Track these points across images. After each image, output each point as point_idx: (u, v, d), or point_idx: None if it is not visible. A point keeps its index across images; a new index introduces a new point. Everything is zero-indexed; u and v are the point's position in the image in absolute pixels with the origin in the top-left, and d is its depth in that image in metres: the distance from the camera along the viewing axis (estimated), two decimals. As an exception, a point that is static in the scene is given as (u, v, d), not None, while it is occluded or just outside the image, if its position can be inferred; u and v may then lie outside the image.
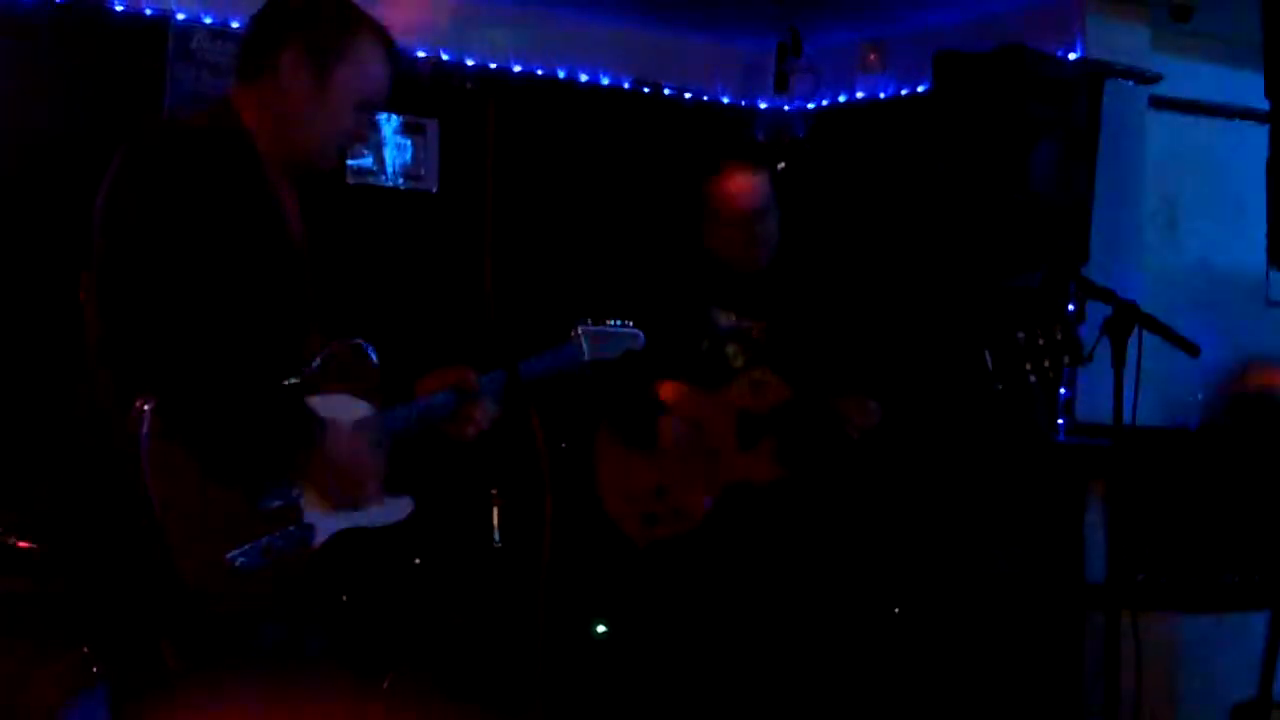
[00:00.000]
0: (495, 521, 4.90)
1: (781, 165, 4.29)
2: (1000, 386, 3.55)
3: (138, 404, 2.57)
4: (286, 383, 2.76)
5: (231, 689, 2.66)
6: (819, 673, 3.82)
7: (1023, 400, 5.17)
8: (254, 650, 2.72)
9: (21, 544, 4.04)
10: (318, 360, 2.84)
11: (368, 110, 2.88)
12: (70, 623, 3.93)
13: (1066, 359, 3.53)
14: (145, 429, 2.57)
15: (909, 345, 3.81)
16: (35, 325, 4.65)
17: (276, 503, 2.71)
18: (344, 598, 4.62)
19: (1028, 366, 3.51)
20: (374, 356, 2.96)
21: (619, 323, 3.40)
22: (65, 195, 4.70)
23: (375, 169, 5.56)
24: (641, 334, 3.44)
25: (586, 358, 3.32)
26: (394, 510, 2.94)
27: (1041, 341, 3.51)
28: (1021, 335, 3.51)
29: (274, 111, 2.81)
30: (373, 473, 2.81)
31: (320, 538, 2.78)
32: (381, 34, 2.87)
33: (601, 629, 4.97)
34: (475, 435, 3.01)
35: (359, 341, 2.95)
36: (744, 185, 3.83)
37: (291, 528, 2.73)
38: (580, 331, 3.31)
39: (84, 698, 3.78)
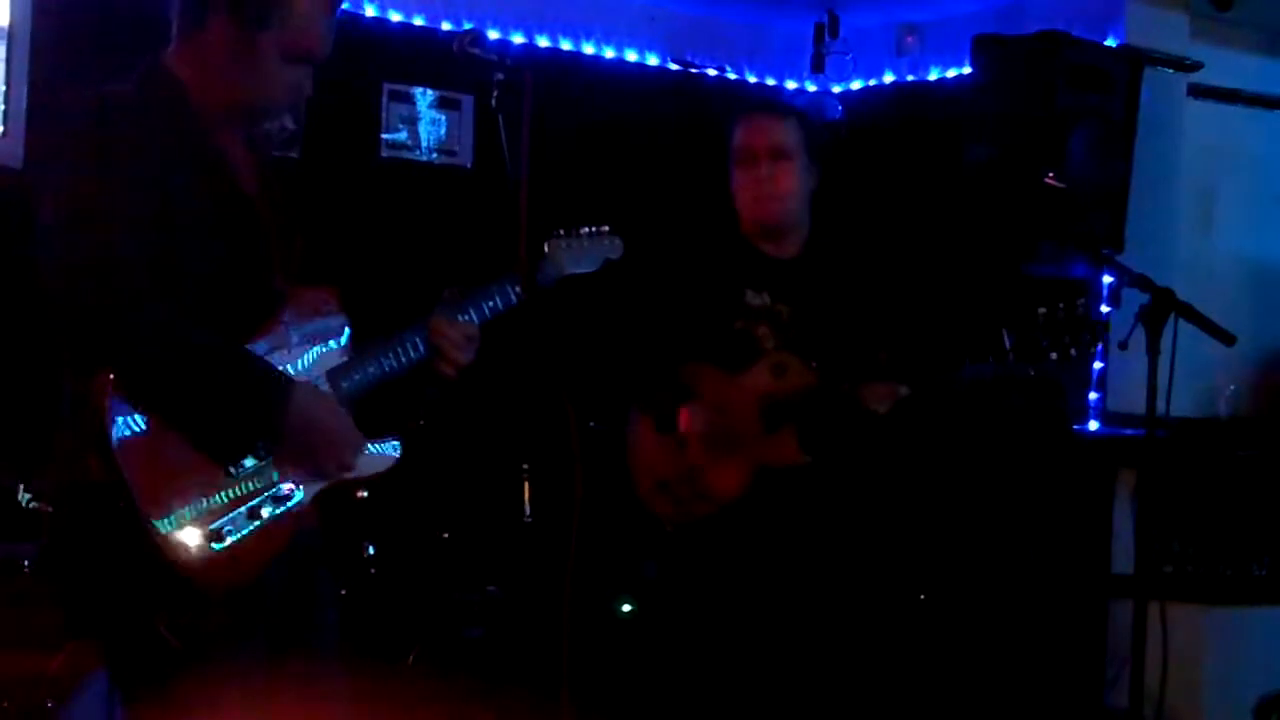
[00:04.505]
0: (526, 497, 4.91)
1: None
2: (1015, 364, 3.51)
3: (100, 377, 2.47)
4: (255, 340, 2.66)
5: (236, 668, 2.59)
6: (842, 657, 3.82)
7: (1054, 387, 5.15)
8: (258, 624, 2.65)
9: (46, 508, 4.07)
10: (287, 313, 2.73)
11: (305, 64, 2.74)
12: (78, 607, 3.94)
13: (1088, 336, 3.47)
14: (109, 402, 2.47)
15: (929, 326, 3.79)
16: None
17: (251, 462, 2.60)
18: (369, 551, 4.63)
19: (1046, 344, 3.48)
20: (340, 303, 2.84)
21: (593, 229, 3.22)
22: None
23: (410, 144, 5.57)
24: (620, 240, 3.25)
25: (565, 272, 3.14)
26: (379, 459, 2.82)
27: (1062, 317, 3.47)
28: (1042, 311, 3.47)
29: (206, 67, 2.70)
30: (347, 438, 2.71)
31: (310, 493, 2.69)
32: None
33: (627, 608, 4.98)
34: (455, 372, 2.88)
35: (327, 288, 2.84)
36: (759, 126, 3.82)
37: (276, 487, 2.64)
38: (552, 245, 3.14)
39: (92, 682, 3.80)
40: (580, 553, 2.76)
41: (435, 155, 5.62)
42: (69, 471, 2.57)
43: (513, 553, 4.91)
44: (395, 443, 2.86)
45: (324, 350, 2.79)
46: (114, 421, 2.46)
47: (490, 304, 2.97)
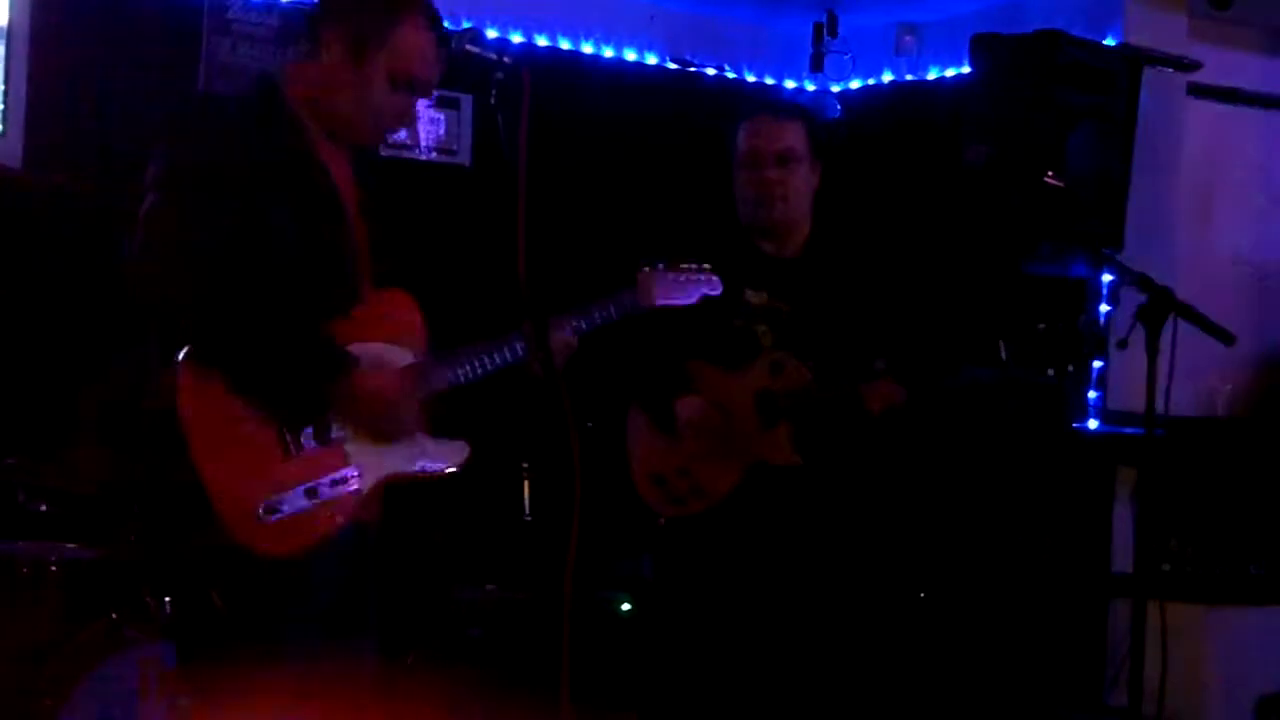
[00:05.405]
0: (526, 496, 4.91)
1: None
2: (1014, 367, 3.51)
3: (176, 357, 2.63)
4: (325, 326, 2.79)
5: (283, 650, 2.70)
6: (838, 656, 3.82)
7: (1052, 391, 5.15)
8: (306, 598, 2.75)
9: (44, 508, 4.07)
10: (360, 309, 2.86)
11: (409, 91, 2.90)
12: (97, 589, 3.96)
13: (1087, 349, 3.48)
14: (181, 380, 2.63)
15: (929, 327, 3.79)
16: (79, 289, 4.66)
17: (312, 445, 2.73)
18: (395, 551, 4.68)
19: (1045, 358, 3.48)
20: (419, 308, 2.98)
21: (692, 265, 3.31)
22: (103, 163, 4.77)
23: (409, 143, 5.57)
24: (718, 279, 3.36)
25: (656, 303, 3.27)
26: (447, 456, 2.94)
27: (1062, 331, 3.47)
28: (1043, 326, 3.47)
29: (316, 86, 2.87)
30: (405, 409, 2.83)
31: (367, 482, 2.79)
32: (429, 15, 2.90)
33: (626, 606, 4.98)
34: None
35: (405, 293, 2.97)
36: (765, 129, 3.81)
37: (338, 472, 2.75)
38: (646, 274, 3.26)
39: (109, 665, 3.81)
40: (580, 552, 2.78)
41: (434, 154, 5.62)
42: (144, 465, 2.77)
43: (513, 552, 4.91)
44: (463, 441, 2.97)
45: (392, 346, 2.90)
46: (184, 399, 2.63)
47: (603, 313, 3.16)
